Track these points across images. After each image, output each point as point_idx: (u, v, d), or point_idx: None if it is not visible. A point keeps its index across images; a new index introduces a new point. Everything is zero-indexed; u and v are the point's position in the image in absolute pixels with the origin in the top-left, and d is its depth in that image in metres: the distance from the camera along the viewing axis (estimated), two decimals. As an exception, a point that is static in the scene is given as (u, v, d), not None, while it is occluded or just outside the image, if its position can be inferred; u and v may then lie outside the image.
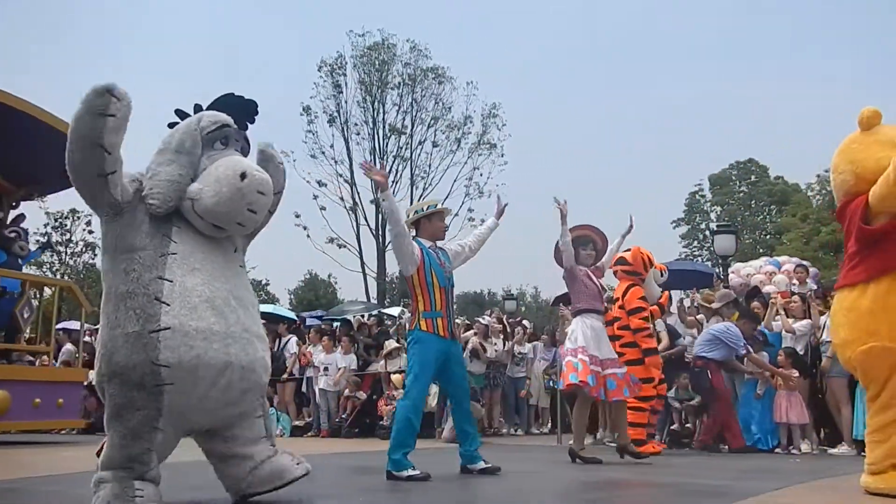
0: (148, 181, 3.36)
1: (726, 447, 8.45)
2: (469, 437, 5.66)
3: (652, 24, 62.49)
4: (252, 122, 3.86)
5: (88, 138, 3.18)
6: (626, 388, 6.68)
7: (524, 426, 12.46)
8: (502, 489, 4.96)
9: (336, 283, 43.56)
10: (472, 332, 11.75)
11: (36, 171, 10.49)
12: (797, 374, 8.36)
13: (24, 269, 10.94)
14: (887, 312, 4.09)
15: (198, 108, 3.68)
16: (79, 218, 34.86)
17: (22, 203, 11.08)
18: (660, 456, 7.31)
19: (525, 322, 14.13)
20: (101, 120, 3.17)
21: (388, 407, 11.31)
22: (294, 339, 12.97)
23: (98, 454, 3.33)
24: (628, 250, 8.06)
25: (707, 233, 41.63)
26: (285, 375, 12.36)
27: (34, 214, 11.33)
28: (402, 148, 33.24)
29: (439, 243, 5.86)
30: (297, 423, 12.24)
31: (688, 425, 9.42)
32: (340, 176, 31.93)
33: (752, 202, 45.61)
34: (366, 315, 15.52)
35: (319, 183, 31.13)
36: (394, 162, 32.88)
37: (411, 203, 32.83)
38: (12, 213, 10.88)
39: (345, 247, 32.06)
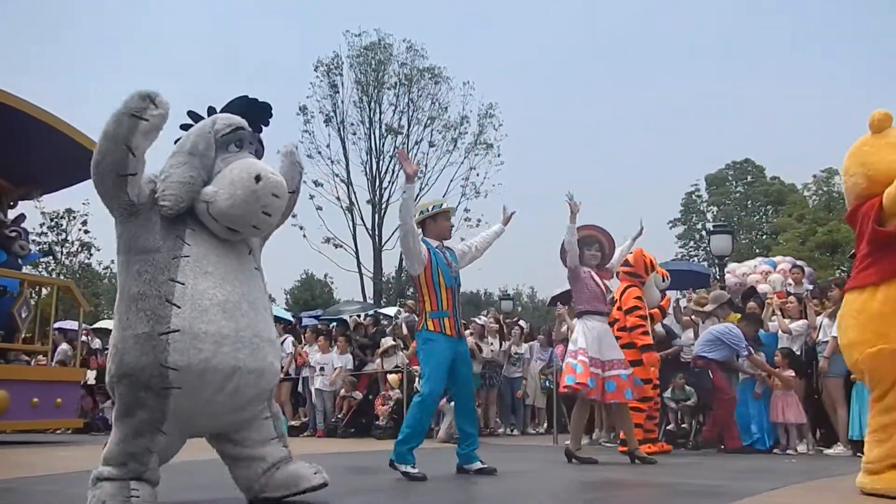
0: (161, 183, 3.36)
1: (723, 447, 8.47)
2: (469, 437, 5.66)
3: (649, 25, 62.62)
4: (266, 124, 3.85)
5: (118, 136, 3.20)
6: (627, 390, 6.65)
7: (520, 426, 12.46)
8: (499, 489, 4.96)
9: (332, 282, 43.58)
10: (468, 332, 11.75)
11: (35, 170, 10.49)
12: (793, 374, 8.37)
13: (23, 270, 10.92)
14: None
15: (211, 111, 3.68)
16: (74, 218, 34.80)
17: (19, 203, 11.08)
18: (657, 456, 7.31)
19: (522, 322, 14.13)
20: (134, 121, 3.20)
21: (384, 407, 11.32)
22: (290, 338, 12.97)
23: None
24: (631, 252, 8.05)
25: (703, 233, 41.71)
26: (281, 375, 12.35)
27: (30, 214, 11.36)
28: (398, 148, 33.23)
29: (446, 243, 5.88)
30: (293, 423, 12.23)
31: (684, 426, 9.42)
32: (337, 176, 31.99)
33: (749, 202, 45.66)
34: (362, 315, 15.50)
35: (316, 183, 31.19)
36: (390, 162, 32.90)
37: (408, 203, 32.89)
38: (13, 213, 10.89)
39: (341, 247, 32.09)
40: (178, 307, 3.18)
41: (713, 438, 8.49)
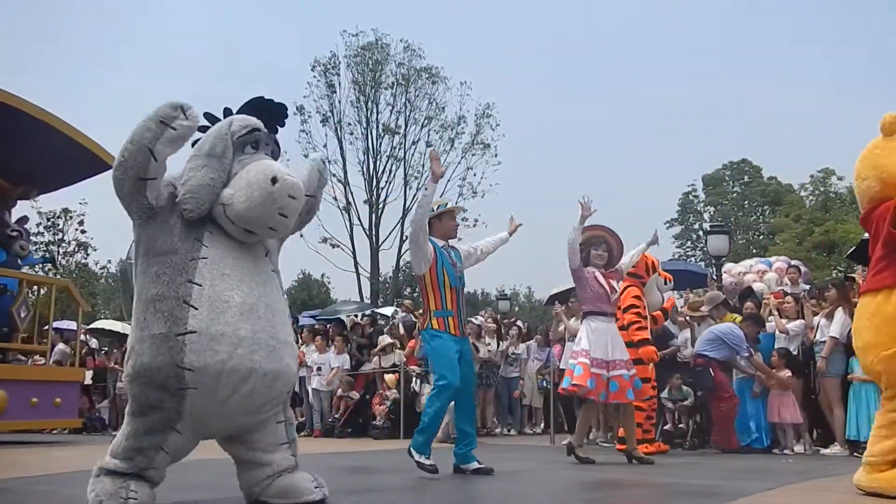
0: (181, 187, 3.37)
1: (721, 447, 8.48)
2: (467, 437, 5.66)
3: (645, 25, 62.64)
4: (282, 125, 3.85)
5: (143, 140, 3.23)
6: (629, 390, 6.62)
7: (517, 426, 12.46)
8: (496, 489, 4.95)
9: (329, 282, 43.57)
10: (465, 332, 11.75)
11: (34, 169, 10.47)
12: (790, 375, 8.38)
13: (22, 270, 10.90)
14: None
15: (227, 112, 3.68)
16: (71, 218, 34.74)
17: (17, 203, 11.06)
18: (653, 456, 7.31)
19: (519, 323, 14.13)
20: (162, 128, 3.24)
21: (381, 407, 11.32)
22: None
23: None
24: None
25: (700, 233, 41.73)
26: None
27: (27, 214, 11.38)
28: (395, 148, 33.31)
29: (451, 242, 5.90)
30: (290, 422, 12.21)
31: (681, 426, 9.43)
32: (334, 175, 31.96)
33: (746, 202, 45.71)
34: (359, 315, 15.51)
35: (313, 183, 31.10)
36: (387, 162, 32.95)
37: (405, 203, 32.94)
38: (16, 214, 10.91)
39: (338, 246, 32.12)
40: (196, 308, 3.19)
41: (724, 441, 8.38)
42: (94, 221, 45.85)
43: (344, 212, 32.09)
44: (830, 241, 32.37)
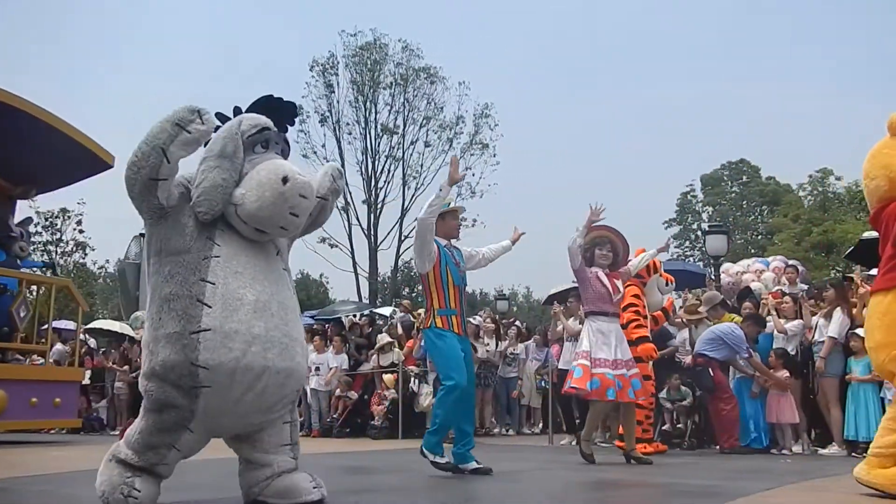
0: (195, 189, 3.38)
1: (717, 447, 8.48)
2: (466, 437, 5.65)
3: (644, 25, 62.70)
4: (292, 124, 3.86)
5: (157, 141, 3.26)
6: (630, 390, 6.60)
7: (515, 426, 12.47)
8: (494, 489, 4.95)
9: (328, 282, 43.60)
10: (463, 332, 11.74)
11: (34, 169, 10.45)
12: (788, 375, 8.38)
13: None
14: None
15: (237, 111, 3.69)
16: (69, 217, 34.74)
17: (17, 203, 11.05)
18: (652, 456, 7.31)
19: (518, 323, 14.13)
20: (177, 130, 3.26)
21: (380, 407, 11.31)
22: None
23: (121, 435, 3.37)
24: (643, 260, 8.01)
25: (699, 233, 41.78)
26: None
27: (25, 213, 11.40)
28: (394, 148, 33.30)
29: (454, 242, 5.91)
30: (288, 422, 12.20)
31: (679, 426, 9.43)
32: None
33: (744, 202, 45.76)
34: (357, 315, 15.49)
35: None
36: (386, 162, 32.94)
37: (403, 203, 32.96)
38: (20, 216, 10.92)
39: (336, 246, 32.09)
40: (209, 307, 3.21)
41: (731, 444, 8.33)
42: (93, 221, 45.92)
43: (342, 212, 32.04)
44: (829, 241, 32.37)
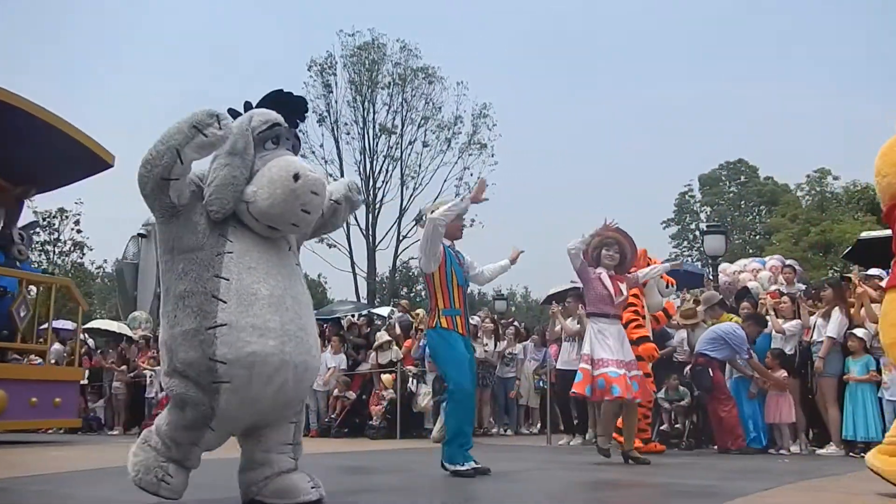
0: (207, 188, 3.40)
1: (715, 447, 8.48)
2: (464, 437, 5.65)
3: (646, 25, 62.74)
4: (302, 119, 3.87)
5: (172, 141, 3.27)
6: (632, 390, 6.61)
7: (514, 426, 12.46)
8: (493, 490, 4.95)
9: (326, 282, 43.61)
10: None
11: (33, 169, 10.44)
12: (786, 375, 8.38)
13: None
14: None
15: (248, 107, 3.69)
16: (66, 217, 34.69)
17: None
18: (650, 456, 7.31)
19: (516, 323, 14.12)
20: (193, 132, 3.27)
21: (378, 407, 11.31)
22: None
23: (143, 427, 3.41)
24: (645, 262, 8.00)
25: (697, 233, 41.80)
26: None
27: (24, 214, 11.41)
28: (392, 148, 33.29)
29: (457, 244, 5.93)
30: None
31: (677, 426, 9.43)
32: (330, 176, 31.86)
33: (742, 202, 45.81)
34: (356, 315, 15.49)
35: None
36: (384, 162, 32.91)
37: (401, 203, 32.94)
38: (24, 220, 10.91)
39: (335, 246, 32.06)
40: (224, 302, 3.24)
41: (734, 445, 8.30)
42: (90, 221, 45.80)
43: (341, 211, 32.01)
44: (826, 241, 32.38)
